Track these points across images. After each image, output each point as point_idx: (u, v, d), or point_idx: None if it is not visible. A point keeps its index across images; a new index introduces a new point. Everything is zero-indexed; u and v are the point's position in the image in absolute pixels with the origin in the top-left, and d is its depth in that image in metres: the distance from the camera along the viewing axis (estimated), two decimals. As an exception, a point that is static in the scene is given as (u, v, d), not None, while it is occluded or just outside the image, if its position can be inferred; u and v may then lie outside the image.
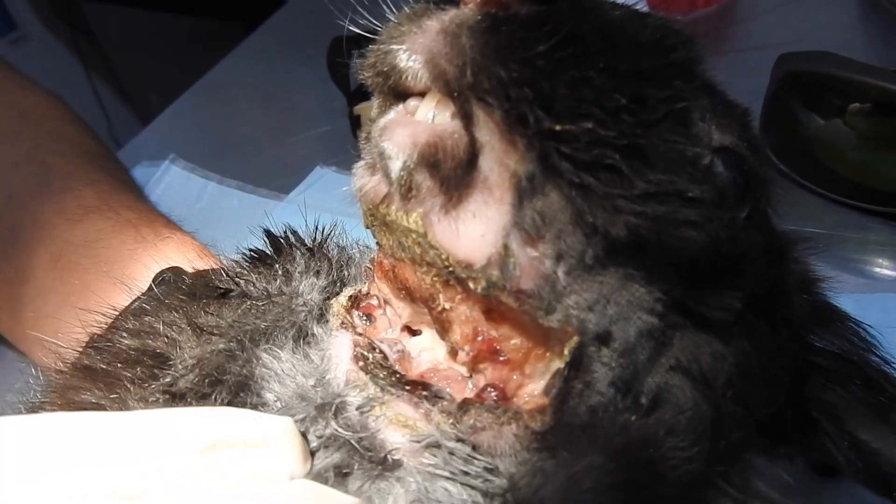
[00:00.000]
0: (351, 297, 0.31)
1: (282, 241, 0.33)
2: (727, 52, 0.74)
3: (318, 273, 0.32)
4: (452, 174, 0.24)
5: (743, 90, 0.61)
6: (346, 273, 0.33)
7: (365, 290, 0.31)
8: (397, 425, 0.26)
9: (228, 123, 0.85)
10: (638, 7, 0.75)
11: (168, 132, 0.86)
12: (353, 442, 0.26)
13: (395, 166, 0.24)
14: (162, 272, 0.41)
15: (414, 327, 0.29)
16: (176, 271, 0.41)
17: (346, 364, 0.27)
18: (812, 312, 0.33)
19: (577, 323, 0.24)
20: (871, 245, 0.56)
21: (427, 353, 0.28)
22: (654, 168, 0.23)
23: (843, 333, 0.34)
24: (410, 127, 0.24)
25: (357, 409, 0.26)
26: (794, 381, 0.31)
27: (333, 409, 0.26)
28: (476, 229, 0.24)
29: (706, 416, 0.28)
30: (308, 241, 0.34)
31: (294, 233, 0.34)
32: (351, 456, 0.26)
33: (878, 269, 0.55)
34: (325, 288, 0.32)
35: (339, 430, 0.26)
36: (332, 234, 0.35)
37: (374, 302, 0.30)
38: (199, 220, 0.60)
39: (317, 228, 0.34)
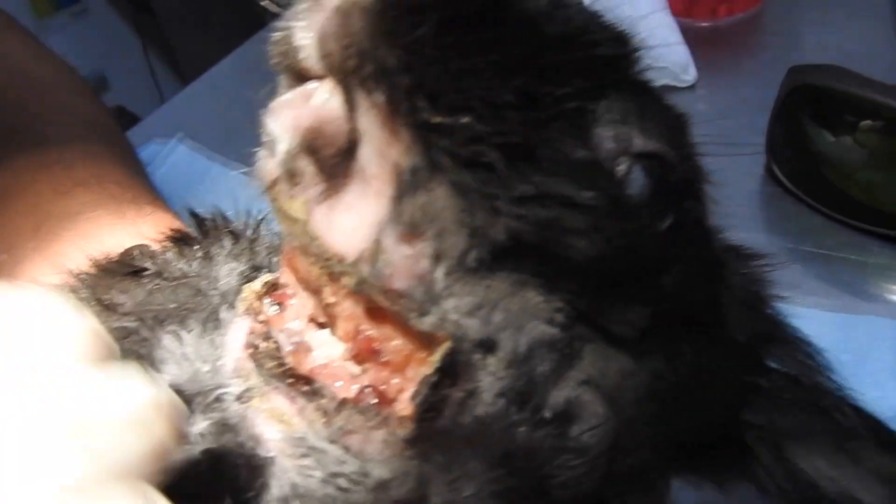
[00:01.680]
0: (267, 283, 0.30)
1: (208, 223, 0.33)
2: (745, 63, 0.71)
3: (238, 257, 0.31)
4: (331, 162, 0.23)
5: (759, 102, 0.59)
6: (273, 259, 0.32)
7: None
8: (274, 419, 0.25)
9: (242, 107, 0.85)
10: (660, 13, 0.73)
11: (185, 111, 0.87)
12: (229, 431, 0.25)
13: (280, 149, 0.24)
14: (129, 249, 0.41)
15: (320, 320, 0.28)
16: (144, 249, 0.41)
17: (237, 351, 0.27)
18: (760, 332, 0.31)
19: (453, 328, 0.23)
20: (871, 268, 0.53)
21: (327, 347, 0.27)
22: (537, 170, 0.22)
23: (794, 355, 0.32)
24: (295, 110, 0.23)
25: (237, 398, 0.25)
26: (728, 403, 0.30)
27: (214, 396, 0.26)
28: (350, 222, 0.23)
29: (612, 434, 0.26)
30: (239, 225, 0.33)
31: (223, 215, 0.33)
32: (225, 445, 0.25)
33: (878, 293, 0.52)
34: (245, 273, 0.31)
35: (218, 417, 0.25)
36: (265, 218, 0.34)
37: (290, 291, 0.30)
38: (198, 200, 0.60)
39: (248, 212, 0.34)
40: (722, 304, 0.29)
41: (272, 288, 0.30)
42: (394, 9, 0.22)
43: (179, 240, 0.32)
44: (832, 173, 0.57)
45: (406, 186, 0.22)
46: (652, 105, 0.27)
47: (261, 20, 0.95)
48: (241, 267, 0.31)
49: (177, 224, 0.49)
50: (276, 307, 0.29)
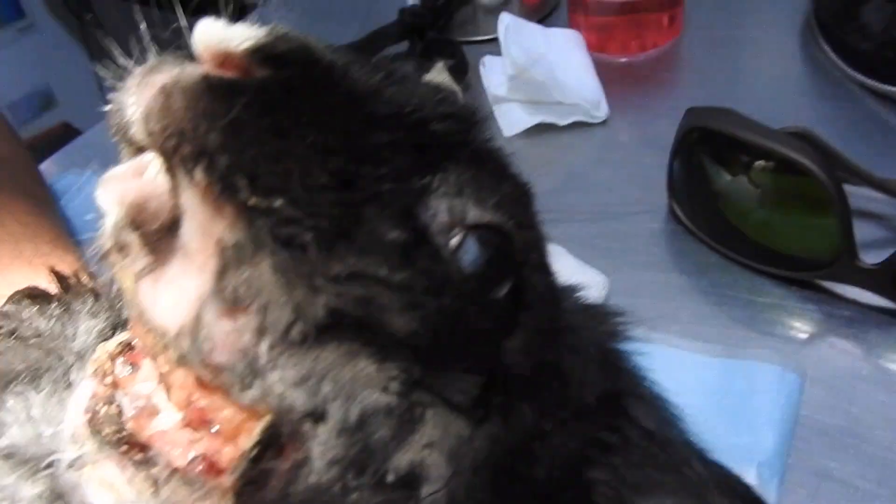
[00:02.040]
0: (123, 342, 0.30)
1: (70, 279, 0.33)
2: (657, 99, 0.73)
3: (98, 315, 0.31)
4: (155, 237, 0.23)
5: (669, 139, 0.60)
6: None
7: (139, 337, 0.30)
8: (104, 488, 0.25)
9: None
10: (574, 49, 0.74)
11: (101, 141, 0.86)
12: (59, 499, 0.25)
13: (108, 222, 0.24)
14: (13, 294, 0.41)
15: (168, 382, 0.28)
16: (32, 292, 0.41)
17: (78, 416, 0.27)
18: (612, 390, 0.32)
19: (277, 401, 0.23)
20: (762, 307, 0.55)
21: (171, 412, 0.27)
22: (351, 251, 0.22)
23: (648, 410, 0.33)
24: (122, 183, 0.23)
25: (70, 464, 0.26)
26: (573, 462, 0.30)
27: (49, 461, 0.26)
28: (172, 296, 0.23)
29: (457, 496, 0.27)
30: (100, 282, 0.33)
31: (88, 272, 0.33)
32: (58, 514, 0.25)
33: (766, 333, 0.53)
34: (104, 331, 0.31)
35: (50, 483, 0.25)
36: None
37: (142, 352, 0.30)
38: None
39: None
40: (567, 366, 0.30)
41: (127, 347, 0.30)
42: (214, 89, 0.23)
43: (39, 296, 0.32)
44: (729, 212, 0.59)
45: (229, 262, 0.23)
46: (491, 176, 0.27)
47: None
48: (100, 325, 0.31)
49: (75, 262, 0.48)
50: (130, 368, 0.29)
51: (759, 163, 0.56)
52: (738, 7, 0.80)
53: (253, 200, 0.22)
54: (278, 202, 0.22)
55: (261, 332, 0.23)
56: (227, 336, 0.23)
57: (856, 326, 0.52)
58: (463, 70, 0.76)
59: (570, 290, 0.35)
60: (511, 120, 0.70)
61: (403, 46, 0.81)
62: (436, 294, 0.24)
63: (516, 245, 0.27)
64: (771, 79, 0.73)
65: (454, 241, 0.26)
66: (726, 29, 0.78)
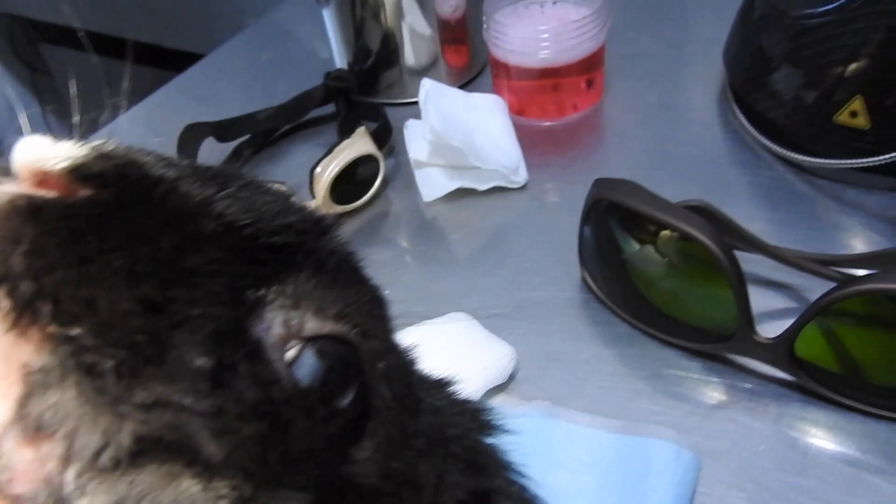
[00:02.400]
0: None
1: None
2: (577, 164, 0.74)
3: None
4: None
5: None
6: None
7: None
8: None
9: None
10: (495, 113, 0.75)
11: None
12: None
13: None
14: None
15: None
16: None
17: None
18: (478, 488, 0.32)
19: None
20: (666, 380, 0.55)
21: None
22: (156, 377, 0.22)
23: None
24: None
25: None
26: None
27: None
28: (-29, 426, 0.22)
29: None
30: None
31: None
32: None
33: (673, 408, 0.53)
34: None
35: None
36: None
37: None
38: None
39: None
40: (422, 472, 0.29)
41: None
42: (21, 211, 0.22)
43: None
44: (638, 281, 0.59)
45: (33, 388, 0.22)
46: (335, 284, 0.27)
47: (161, 79, 0.95)
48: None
49: None
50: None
51: (665, 233, 0.57)
52: (659, 74, 0.82)
53: (53, 328, 0.21)
54: (80, 330, 0.21)
55: (67, 459, 0.22)
56: (28, 465, 0.22)
57: (756, 399, 0.52)
58: (386, 134, 0.76)
59: (442, 384, 0.34)
60: (431, 185, 0.71)
61: (331, 108, 0.81)
62: (256, 416, 0.23)
63: (361, 354, 0.27)
64: (689, 145, 0.74)
65: (290, 355, 0.25)
66: (646, 95, 0.80)
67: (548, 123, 0.77)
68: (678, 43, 0.87)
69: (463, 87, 0.84)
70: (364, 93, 0.83)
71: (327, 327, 0.26)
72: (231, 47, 0.98)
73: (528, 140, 0.74)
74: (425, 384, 0.33)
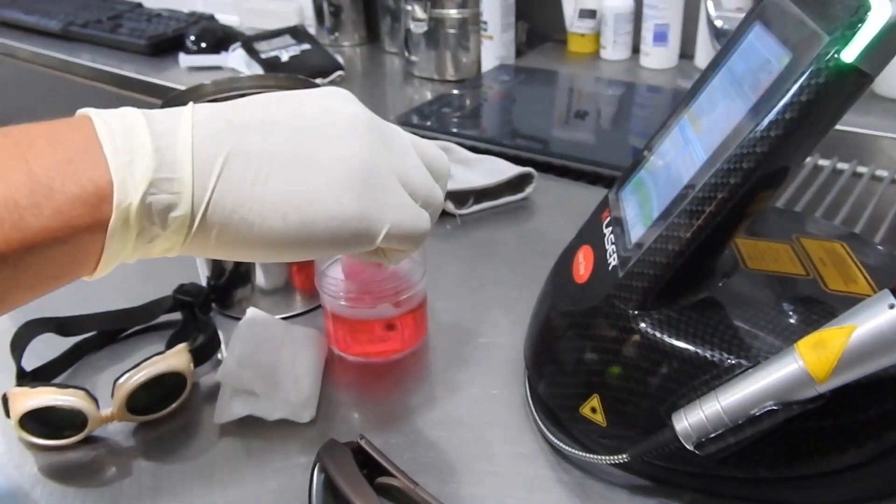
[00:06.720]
0: None
1: None
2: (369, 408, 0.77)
3: None
4: None
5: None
6: None
7: None
8: None
9: None
10: (309, 346, 0.79)
11: None
12: None
13: None
14: None
15: None
16: None
17: None
18: None
19: None
20: None
21: None
22: None
23: None
24: None
25: None
26: None
27: None
28: None
29: None
30: None
31: None
32: None
33: None
34: None
35: None
36: None
37: None
38: None
39: None
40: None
41: None
42: None
43: None
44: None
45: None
46: None
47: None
48: None
49: None
50: None
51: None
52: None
53: None
54: None
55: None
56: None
57: None
58: (212, 349, 0.82)
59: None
60: (224, 407, 0.75)
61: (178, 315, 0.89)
62: None
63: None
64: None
65: None
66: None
67: (359, 360, 0.83)
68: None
69: (312, 310, 0.90)
70: (221, 305, 0.91)
71: None
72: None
73: (342, 377, 0.79)
74: None
